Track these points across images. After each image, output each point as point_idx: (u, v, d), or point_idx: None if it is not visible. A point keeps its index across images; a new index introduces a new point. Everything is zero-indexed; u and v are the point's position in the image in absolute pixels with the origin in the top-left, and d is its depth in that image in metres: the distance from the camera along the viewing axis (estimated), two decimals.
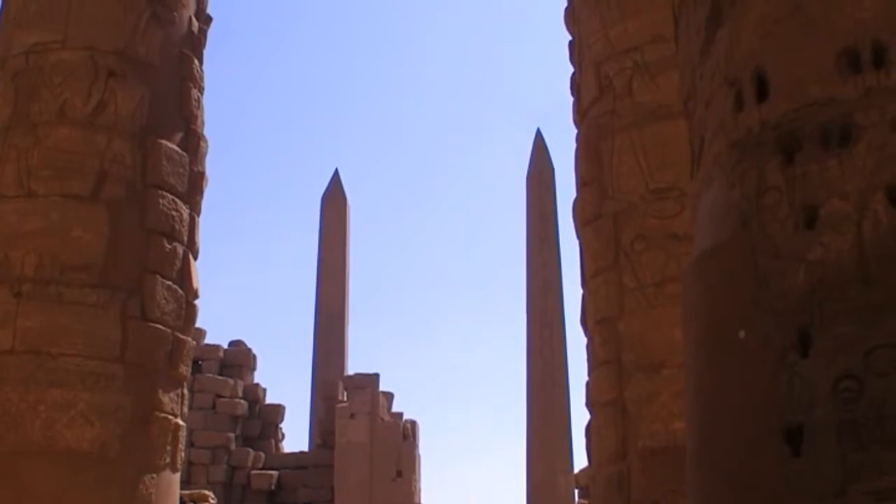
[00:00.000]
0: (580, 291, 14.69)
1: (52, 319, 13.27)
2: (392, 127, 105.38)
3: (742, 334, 4.63)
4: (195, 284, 14.93)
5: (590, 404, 14.05)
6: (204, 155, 15.52)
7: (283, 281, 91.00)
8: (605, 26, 14.44)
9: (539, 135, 46.77)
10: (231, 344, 38.70)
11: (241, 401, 36.55)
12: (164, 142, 14.58)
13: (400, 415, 36.50)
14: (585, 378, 14.31)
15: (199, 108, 15.50)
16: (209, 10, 16.32)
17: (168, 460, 13.99)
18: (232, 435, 35.63)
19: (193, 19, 15.71)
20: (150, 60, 14.69)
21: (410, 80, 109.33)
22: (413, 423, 35.92)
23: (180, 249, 14.62)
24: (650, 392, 12.80)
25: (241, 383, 36.98)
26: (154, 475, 13.68)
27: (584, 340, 14.39)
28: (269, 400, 38.71)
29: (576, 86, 15.24)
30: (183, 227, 14.73)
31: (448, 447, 75.78)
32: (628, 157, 13.77)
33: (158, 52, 14.84)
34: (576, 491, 32.35)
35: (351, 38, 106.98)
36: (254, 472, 35.36)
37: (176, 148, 14.78)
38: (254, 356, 38.93)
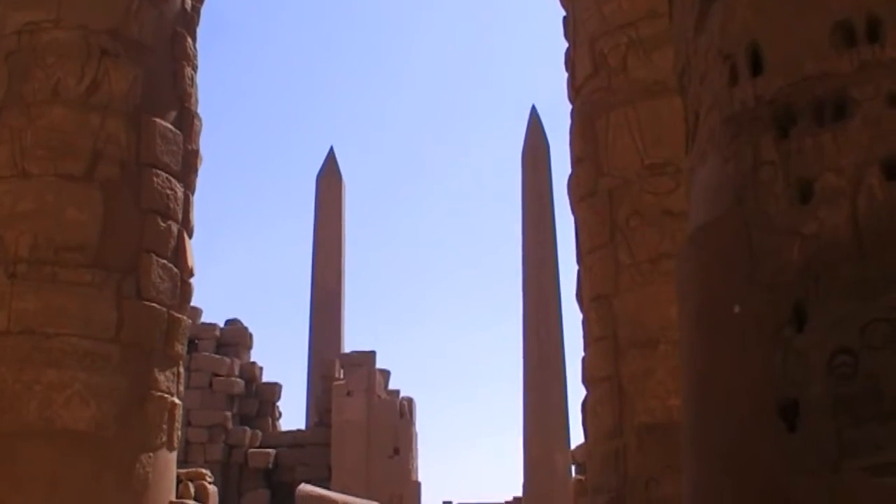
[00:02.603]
0: (576, 268, 14.69)
1: (47, 300, 13.26)
2: (387, 105, 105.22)
3: (737, 309, 4.63)
4: (190, 263, 14.91)
5: (586, 381, 14.07)
6: (198, 133, 15.49)
7: (279, 259, 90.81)
8: (599, 2, 14.42)
9: (534, 111, 46.68)
10: (227, 323, 38.67)
11: (238, 379, 36.55)
12: (158, 120, 14.54)
13: (397, 392, 36.50)
14: (582, 355, 14.33)
15: (192, 86, 15.45)
16: None
17: (164, 439, 13.99)
18: (229, 414, 35.63)
19: None
20: (143, 39, 14.63)
21: (405, 57, 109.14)
22: (410, 400, 35.93)
23: (175, 228, 14.60)
24: (646, 369, 12.82)
25: (237, 362, 36.96)
26: (151, 454, 13.69)
27: (581, 317, 14.40)
28: (265, 378, 38.70)
29: (570, 62, 15.22)
30: (177, 205, 14.71)
31: (445, 425, 75.95)
32: (623, 133, 13.77)
33: (152, 31, 14.78)
34: (573, 467, 32.41)
35: (346, 16, 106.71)
36: (251, 450, 35.37)
37: (170, 126, 14.75)
38: (250, 335, 38.89)
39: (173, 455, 14.44)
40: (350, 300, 50.24)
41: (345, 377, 35.80)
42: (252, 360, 38.53)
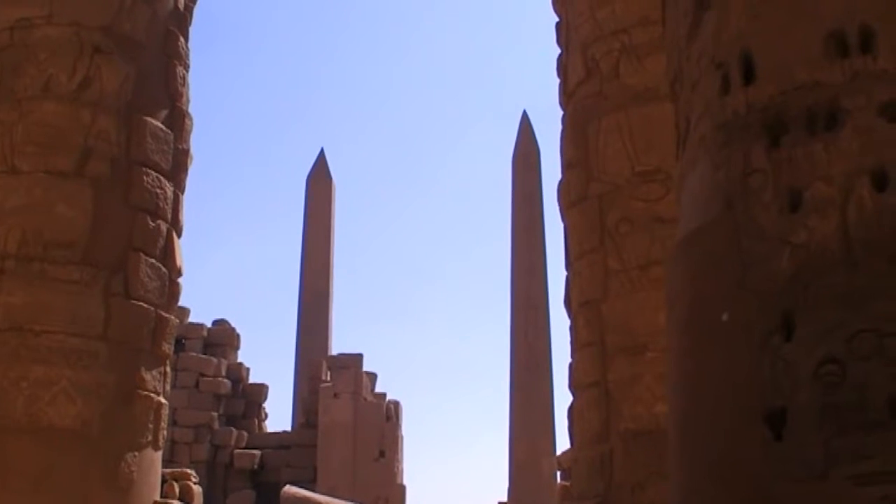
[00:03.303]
0: (565, 273, 14.69)
1: (35, 296, 13.22)
2: (378, 107, 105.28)
3: (725, 317, 4.63)
4: (179, 262, 14.89)
5: (573, 386, 14.07)
6: (189, 133, 15.47)
7: (268, 260, 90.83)
8: (592, 8, 14.42)
9: (525, 116, 46.73)
10: (215, 323, 38.63)
11: (225, 380, 36.51)
12: (149, 119, 14.52)
13: (383, 395, 36.50)
14: (569, 360, 14.33)
15: (184, 85, 15.43)
16: None
17: (150, 438, 13.96)
18: (215, 414, 35.59)
19: None
20: (135, 37, 14.60)
21: (397, 60, 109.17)
22: (396, 403, 35.93)
23: (164, 227, 14.58)
24: (633, 375, 12.82)
25: (224, 362, 36.92)
26: (136, 453, 13.66)
27: (569, 323, 14.40)
28: (252, 379, 38.67)
29: (562, 67, 15.23)
30: (167, 204, 14.69)
31: (431, 428, 75.94)
32: (614, 139, 13.78)
33: (144, 29, 14.76)
34: (558, 473, 32.41)
35: (337, 19, 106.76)
36: (237, 451, 35.33)
37: (161, 125, 14.73)
38: (238, 335, 38.86)
39: (159, 454, 14.41)
40: (338, 302, 50.27)
41: (332, 379, 35.77)
42: (239, 360, 38.50)
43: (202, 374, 35.88)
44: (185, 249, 15.22)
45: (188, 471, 20.16)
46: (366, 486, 33.44)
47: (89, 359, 13.29)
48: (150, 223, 14.30)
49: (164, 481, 16.13)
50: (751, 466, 4.40)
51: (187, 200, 15.42)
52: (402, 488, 35.11)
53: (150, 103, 14.64)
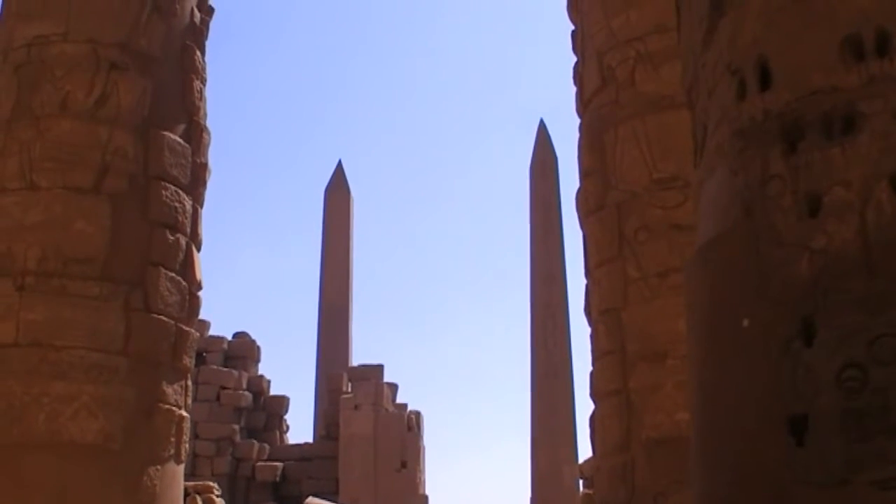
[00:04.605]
0: (584, 281, 14.67)
1: (55, 312, 13.26)
2: (395, 118, 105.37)
3: (746, 323, 4.62)
4: (198, 276, 14.91)
5: (594, 395, 14.04)
6: (207, 146, 15.49)
7: (287, 272, 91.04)
8: (607, 16, 14.41)
9: (542, 125, 46.75)
10: (235, 336, 38.72)
11: (246, 392, 36.58)
12: (166, 133, 14.56)
13: (404, 406, 36.53)
14: (589, 368, 14.31)
15: (201, 99, 15.46)
16: (211, 1, 16.29)
17: (172, 452, 13.98)
18: (236, 427, 35.66)
19: (195, 10, 15.68)
20: (152, 52, 14.65)
21: (414, 71, 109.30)
22: (417, 413, 35.94)
23: (183, 241, 14.61)
24: (654, 382, 12.78)
25: (245, 375, 36.99)
26: (158, 467, 13.67)
27: (588, 331, 14.38)
28: (273, 392, 38.75)
29: (578, 76, 15.22)
30: (186, 218, 14.72)
31: (452, 438, 75.92)
32: (631, 147, 13.75)
33: (160, 44, 14.80)
34: (580, 481, 32.35)
35: (354, 30, 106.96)
36: (258, 463, 35.39)
37: (178, 139, 14.77)
38: (258, 348, 38.94)
39: (181, 468, 14.43)
40: (358, 313, 50.31)
41: (352, 390, 35.82)
42: (260, 373, 38.58)
43: (223, 387, 35.97)
44: (205, 263, 15.27)
45: (210, 484, 20.22)
46: (388, 496, 33.46)
47: (110, 373, 13.32)
48: (170, 237, 14.33)
49: (186, 495, 16.16)
50: (773, 472, 4.39)
51: (206, 213, 15.46)
52: (425, 499, 35.10)
53: (167, 118, 14.68)
